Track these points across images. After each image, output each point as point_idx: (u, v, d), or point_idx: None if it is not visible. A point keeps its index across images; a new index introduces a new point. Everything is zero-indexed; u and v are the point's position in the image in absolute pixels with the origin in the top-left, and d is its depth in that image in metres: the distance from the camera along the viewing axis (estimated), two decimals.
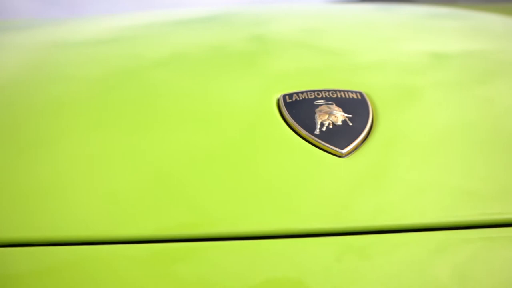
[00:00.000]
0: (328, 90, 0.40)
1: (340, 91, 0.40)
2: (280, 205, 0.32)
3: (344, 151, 0.35)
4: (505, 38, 0.59)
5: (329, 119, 0.37)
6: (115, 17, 0.70)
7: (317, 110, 0.38)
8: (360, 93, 0.40)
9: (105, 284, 0.30)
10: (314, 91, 0.40)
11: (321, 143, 0.35)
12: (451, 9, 0.79)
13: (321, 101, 0.39)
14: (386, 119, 0.38)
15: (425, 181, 0.33)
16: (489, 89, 0.43)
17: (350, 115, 0.38)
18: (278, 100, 0.40)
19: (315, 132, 0.36)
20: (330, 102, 0.39)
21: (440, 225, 0.31)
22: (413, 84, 0.44)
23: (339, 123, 0.37)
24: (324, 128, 0.37)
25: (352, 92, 0.40)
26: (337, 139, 0.36)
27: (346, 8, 0.81)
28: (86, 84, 0.44)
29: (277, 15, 0.69)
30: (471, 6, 0.81)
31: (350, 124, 0.37)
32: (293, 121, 0.37)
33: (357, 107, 0.39)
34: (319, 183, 0.33)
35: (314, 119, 0.37)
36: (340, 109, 0.38)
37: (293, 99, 0.39)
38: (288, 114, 0.38)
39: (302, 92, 0.40)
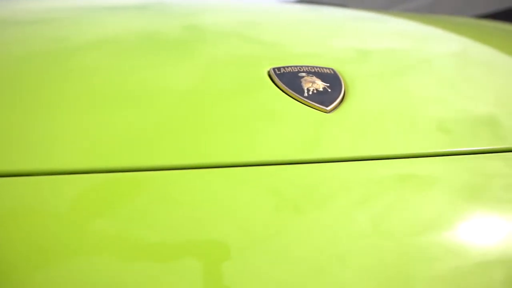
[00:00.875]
0: (308, 66, 0.50)
1: (316, 67, 0.50)
2: (280, 140, 0.41)
3: (329, 108, 0.45)
4: (418, 40, 0.72)
5: (312, 86, 0.47)
6: None
7: (302, 79, 0.48)
8: (332, 69, 0.51)
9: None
10: (297, 66, 0.50)
11: (310, 103, 0.45)
12: (375, 13, 0.92)
13: (304, 74, 0.49)
14: (354, 88, 0.49)
15: (382, 123, 0.45)
16: (405, 79, 0.55)
17: (328, 84, 0.48)
18: (269, 72, 0.49)
19: (304, 95, 0.46)
20: (310, 75, 0.49)
21: (395, 156, 0.42)
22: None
23: (321, 89, 0.47)
24: (310, 92, 0.46)
25: (326, 68, 0.51)
26: (322, 100, 0.46)
27: (281, 6, 0.89)
28: (6, 64, 0.47)
29: (213, 8, 0.74)
30: (394, 13, 0.94)
31: (329, 90, 0.47)
32: (285, 87, 0.47)
33: (331, 79, 0.49)
34: (311, 130, 0.43)
35: (301, 86, 0.47)
36: (320, 79, 0.48)
37: (281, 71, 0.49)
38: (280, 82, 0.47)
39: (287, 67, 0.50)
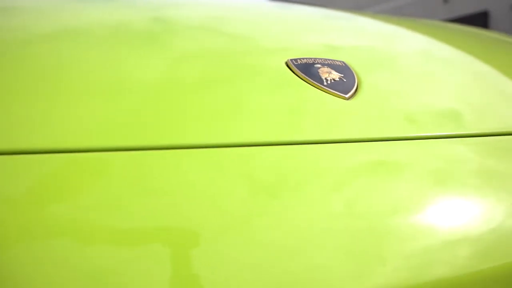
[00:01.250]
0: (321, 58, 0.54)
1: (329, 59, 0.54)
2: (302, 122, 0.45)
3: (347, 95, 0.49)
4: (385, 38, 0.78)
5: (329, 76, 0.51)
6: None
7: (319, 70, 0.52)
8: (343, 62, 0.55)
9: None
10: (311, 58, 0.54)
11: (330, 91, 0.49)
12: (345, 12, 0.96)
13: (319, 65, 0.53)
14: (364, 77, 0.53)
15: (390, 107, 0.50)
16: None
17: (342, 75, 0.52)
18: (287, 63, 0.52)
19: (324, 84, 0.50)
20: (325, 66, 0.53)
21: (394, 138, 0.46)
22: None
23: (337, 79, 0.51)
24: (329, 82, 0.50)
25: (337, 61, 0.55)
26: (340, 88, 0.50)
27: (254, 3, 0.90)
28: None
29: (183, 2, 0.75)
30: (365, 14, 0.99)
31: (344, 80, 0.51)
32: (305, 76, 0.50)
33: (343, 70, 0.53)
34: (333, 114, 0.47)
35: (320, 75, 0.51)
36: (334, 70, 0.52)
37: (299, 62, 0.52)
38: (300, 72, 0.51)
39: (303, 58, 0.53)
